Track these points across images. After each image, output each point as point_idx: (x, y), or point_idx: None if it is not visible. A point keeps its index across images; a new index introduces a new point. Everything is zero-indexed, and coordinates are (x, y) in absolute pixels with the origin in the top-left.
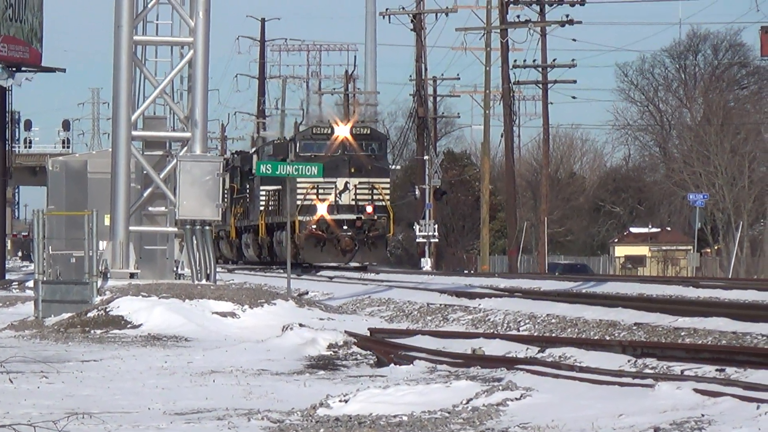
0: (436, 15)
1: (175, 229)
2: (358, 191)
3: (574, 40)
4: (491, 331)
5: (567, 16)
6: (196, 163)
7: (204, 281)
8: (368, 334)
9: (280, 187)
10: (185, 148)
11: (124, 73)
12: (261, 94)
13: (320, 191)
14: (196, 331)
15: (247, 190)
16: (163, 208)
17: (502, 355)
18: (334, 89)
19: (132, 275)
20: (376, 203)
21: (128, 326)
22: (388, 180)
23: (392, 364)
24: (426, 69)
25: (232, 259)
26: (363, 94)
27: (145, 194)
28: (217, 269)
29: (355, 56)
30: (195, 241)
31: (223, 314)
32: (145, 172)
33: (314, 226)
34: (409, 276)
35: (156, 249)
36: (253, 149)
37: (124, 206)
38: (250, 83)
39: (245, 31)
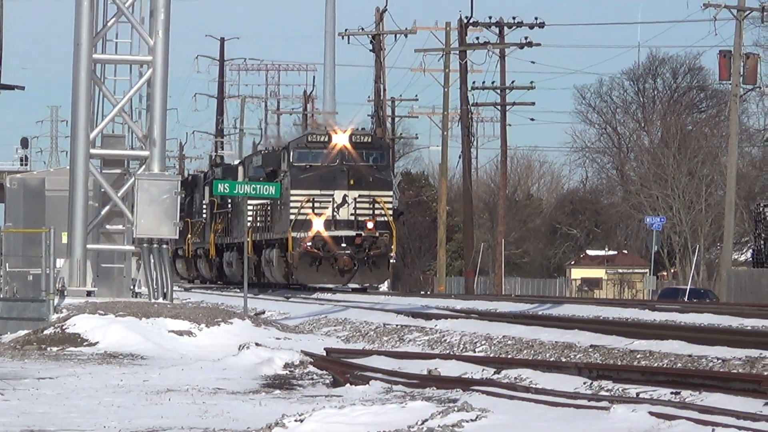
0: (396, 36)
1: (133, 248)
2: (357, 205)
3: (533, 62)
4: (447, 352)
5: (526, 38)
6: (153, 182)
7: (161, 300)
8: (324, 354)
9: (267, 201)
10: (143, 167)
11: (83, 91)
12: (219, 114)
13: (316, 205)
14: (153, 350)
15: (230, 205)
16: (120, 227)
17: (457, 376)
18: (293, 109)
19: (89, 293)
20: (378, 218)
21: (85, 344)
22: (390, 193)
23: (348, 384)
24: (385, 90)
25: (211, 279)
26: (322, 114)
27: (102, 212)
28: (174, 288)
29: (314, 76)
30: (152, 260)
31: (180, 333)
32: (103, 190)
33: (309, 244)
34: (365, 296)
35: (113, 267)
36: (239, 160)
37: (82, 224)
38: (209, 102)
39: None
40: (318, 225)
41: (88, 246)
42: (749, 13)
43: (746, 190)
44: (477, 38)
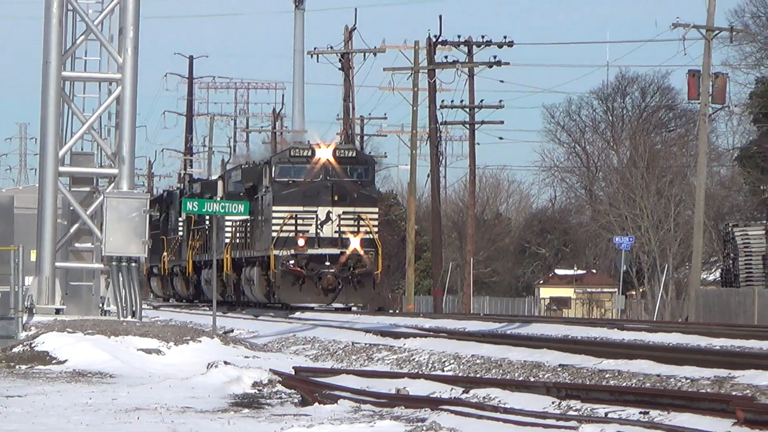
0: (364, 55)
1: (102, 266)
2: (342, 222)
3: (502, 81)
4: (416, 371)
5: (495, 57)
6: (122, 200)
7: (130, 318)
8: (293, 373)
9: (249, 216)
10: (112, 185)
11: (52, 108)
12: (188, 132)
13: (299, 222)
14: (121, 368)
15: (208, 221)
16: (89, 245)
17: (426, 396)
18: (262, 127)
19: (58, 311)
20: (363, 236)
21: (53, 362)
22: (376, 210)
23: (316, 404)
24: (354, 108)
25: (188, 298)
26: (291, 132)
27: (71, 230)
28: (143, 306)
29: (282, 95)
30: (121, 278)
31: (149, 351)
32: (71, 208)
33: (292, 262)
34: (334, 315)
35: (82, 285)
36: (218, 176)
37: (51, 242)
38: (178, 120)
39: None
40: (301, 242)
41: (57, 264)
42: (718, 33)
43: (715, 209)
44: (446, 57)
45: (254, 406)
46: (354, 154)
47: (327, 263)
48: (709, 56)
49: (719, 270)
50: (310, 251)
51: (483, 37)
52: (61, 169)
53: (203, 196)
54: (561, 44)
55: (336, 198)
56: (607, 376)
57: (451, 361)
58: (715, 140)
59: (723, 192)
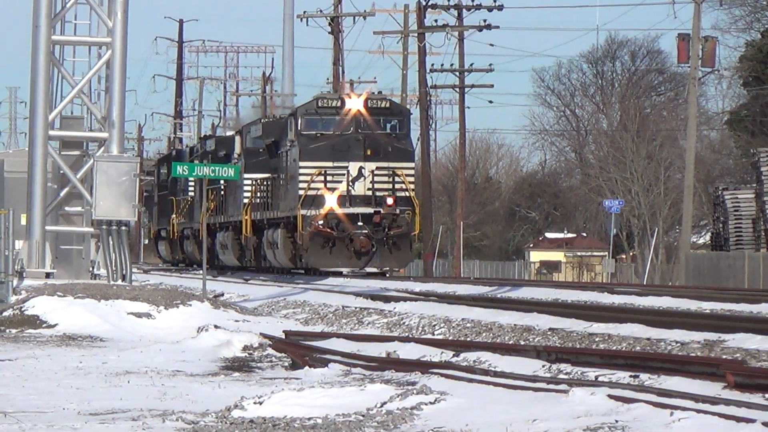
0: (354, 18)
1: (92, 229)
2: (375, 179)
3: (492, 45)
4: (406, 334)
5: (485, 21)
6: (112, 164)
7: (120, 282)
8: (283, 337)
9: (270, 174)
10: (102, 149)
11: (42, 72)
12: (178, 96)
13: (329, 178)
14: (112, 332)
15: (221, 180)
16: (79, 208)
17: (416, 359)
18: (252, 91)
19: (48, 275)
20: (399, 194)
21: (43, 326)
22: (412, 165)
23: (307, 367)
24: (343, 72)
25: (200, 262)
26: (280, 96)
27: (61, 194)
28: (133, 270)
29: (272, 58)
30: (111, 242)
31: (139, 315)
32: (61, 171)
33: (321, 222)
34: (324, 278)
35: (72, 249)
36: (236, 131)
37: (41, 206)
38: (168, 84)
39: (163, 32)
40: (331, 201)
41: (47, 228)
42: None
43: (705, 173)
44: (435, 21)
45: (244, 369)
46: (387, 105)
47: (359, 223)
48: (699, 20)
49: (709, 233)
50: (342, 210)
51: (473, 0)
52: (51, 132)
53: (218, 153)
54: (551, 8)
55: (369, 152)
56: (597, 339)
57: (442, 325)
58: (704, 104)
59: (713, 155)
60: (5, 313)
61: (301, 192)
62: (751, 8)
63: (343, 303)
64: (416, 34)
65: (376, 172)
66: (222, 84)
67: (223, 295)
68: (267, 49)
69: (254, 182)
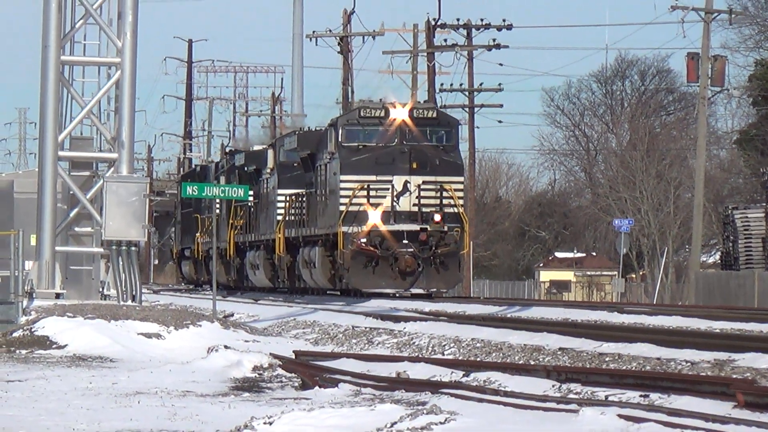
0: (363, 38)
1: (101, 250)
2: (422, 193)
3: (501, 64)
4: (416, 354)
5: (494, 40)
6: (122, 184)
7: (130, 302)
8: (293, 357)
9: (304, 190)
10: (112, 169)
11: (51, 93)
12: (188, 116)
13: (372, 193)
14: (122, 352)
15: (251, 196)
16: (89, 229)
17: (426, 379)
18: (261, 111)
19: (58, 295)
20: (447, 210)
21: (53, 346)
22: (462, 179)
23: (317, 387)
24: (353, 92)
25: (228, 284)
26: (290, 116)
27: (71, 214)
28: (143, 290)
29: (282, 78)
30: (121, 262)
31: (149, 335)
32: (71, 192)
33: (364, 240)
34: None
35: (82, 269)
36: (268, 144)
37: (51, 226)
38: (177, 104)
39: (172, 52)
40: (374, 217)
41: (57, 248)
42: (717, 16)
43: (714, 192)
44: (445, 40)
45: (254, 389)
46: (434, 115)
47: (405, 241)
48: (708, 39)
49: (719, 253)
50: (386, 227)
51: (482, 20)
52: (61, 153)
53: (246, 168)
54: (560, 27)
55: (415, 165)
56: (607, 359)
57: (452, 345)
58: (714, 123)
59: (722, 175)
60: (15, 334)
61: (342, 207)
62: (760, 27)
63: (353, 323)
64: (425, 54)
65: (422, 187)
66: (231, 104)
67: (233, 315)
68: (276, 69)
69: (288, 198)
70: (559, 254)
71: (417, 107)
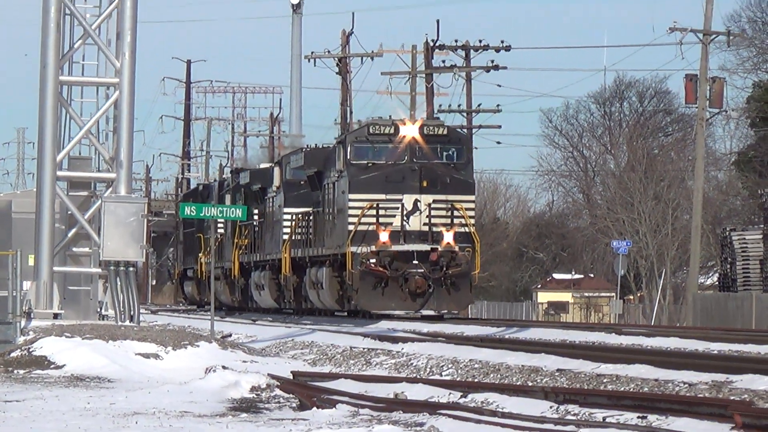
0: (362, 59)
1: (99, 270)
2: (432, 212)
3: (500, 85)
4: (414, 375)
5: (492, 61)
6: (120, 204)
7: (128, 322)
8: (291, 377)
9: (311, 209)
10: (110, 189)
11: (50, 113)
12: (186, 136)
13: (381, 212)
14: (119, 372)
15: (255, 216)
16: (87, 249)
17: (424, 400)
18: (260, 131)
19: (56, 316)
20: (458, 229)
21: (51, 367)
22: (473, 198)
23: (315, 408)
24: (351, 112)
25: (232, 305)
26: (288, 136)
27: (69, 235)
28: (141, 310)
29: (280, 99)
30: (119, 282)
31: (147, 356)
32: (69, 212)
33: (373, 261)
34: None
35: (80, 289)
36: (274, 162)
37: (49, 246)
38: (176, 125)
39: (171, 73)
40: (384, 237)
41: (55, 268)
42: (715, 37)
43: (712, 214)
44: (443, 61)
45: (252, 410)
46: (445, 132)
47: (415, 262)
48: (707, 60)
49: (717, 274)
50: (395, 247)
51: (480, 41)
52: (59, 173)
53: (252, 187)
54: (558, 48)
55: (425, 183)
56: (605, 380)
57: (449, 366)
58: (712, 144)
59: (720, 196)
60: (13, 354)
61: (351, 227)
62: (758, 49)
63: (350, 344)
64: (424, 75)
65: (433, 206)
66: (230, 124)
67: (231, 335)
68: (275, 89)
69: (295, 217)
70: (557, 275)
71: (427, 124)
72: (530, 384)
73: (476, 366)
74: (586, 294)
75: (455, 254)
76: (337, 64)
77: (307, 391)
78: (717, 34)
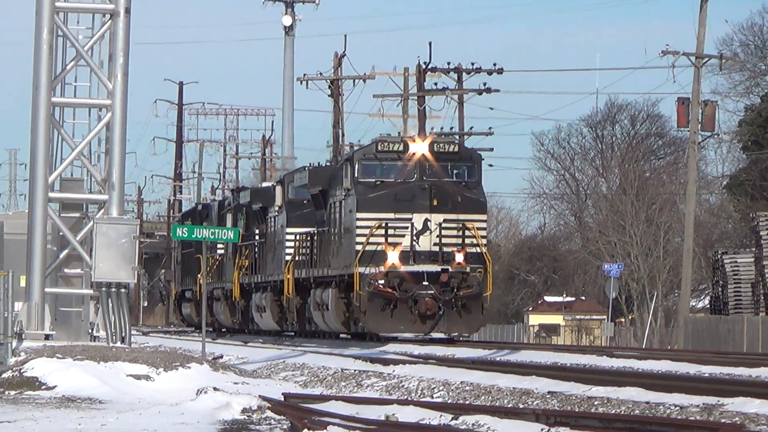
0: (354, 81)
1: (91, 291)
2: (443, 232)
3: (492, 108)
4: (405, 397)
5: (484, 84)
6: (112, 226)
7: (119, 343)
8: (282, 399)
9: (315, 228)
10: (102, 211)
11: (42, 134)
12: (178, 158)
13: (390, 232)
14: (111, 394)
15: (256, 236)
16: (79, 270)
17: (415, 422)
18: (252, 154)
19: (47, 337)
20: (469, 249)
21: (43, 388)
22: (485, 217)
23: (306, 430)
24: (343, 135)
25: (233, 326)
26: (280, 158)
27: (61, 256)
28: (133, 332)
29: (272, 121)
30: (110, 304)
31: (138, 377)
32: (61, 233)
33: (381, 282)
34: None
35: (71, 311)
36: (275, 181)
37: (40, 268)
38: (168, 146)
39: (163, 95)
40: (393, 258)
41: (47, 289)
42: (707, 61)
43: (704, 237)
44: (435, 84)
45: (243, 431)
46: (456, 149)
47: (425, 283)
48: (699, 84)
49: (708, 297)
50: (405, 268)
51: (473, 64)
52: (51, 194)
53: (253, 206)
54: (551, 71)
55: (435, 202)
56: (596, 403)
57: (441, 388)
58: (704, 168)
59: (712, 219)
60: (4, 375)
61: (359, 247)
62: (750, 73)
63: (342, 366)
64: (416, 98)
65: (443, 225)
66: (222, 146)
67: (222, 357)
68: (267, 111)
69: (298, 237)
70: (548, 298)
71: (437, 141)
72: (521, 406)
73: (467, 388)
74: (578, 316)
75: (467, 275)
76: (330, 87)
77: (298, 413)
78: (709, 57)
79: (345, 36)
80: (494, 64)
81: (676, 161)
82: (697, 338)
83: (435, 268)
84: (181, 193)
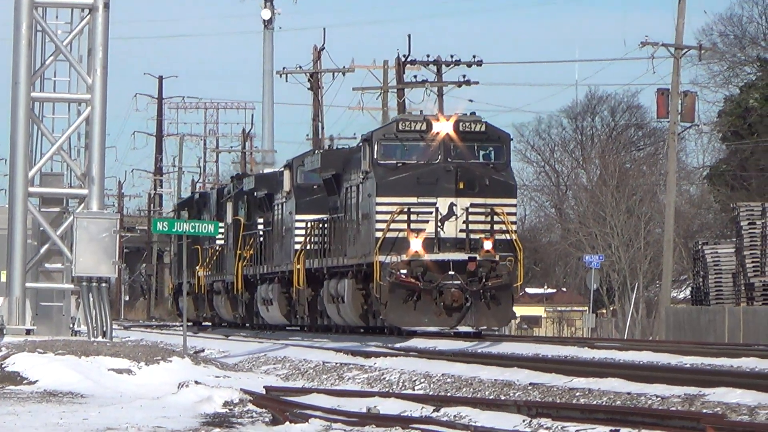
0: (333, 74)
1: (72, 286)
2: (470, 218)
3: (471, 100)
4: (386, 390)
5: (464, 76)
6: (92, 220)
7: (100, 338)
8: (264, 392)
9: (328, 215)
10: (82, 205)
11: (22, 129)
12: (158, 152)
13: (413, 217)
14: (92, 388)
15: (259, 225)
16: (59, 265)
17: (397, 414)
18: (232, 147)
19: (28, 332)
20: (498, 236)
21: (24, 382)
22: (515, 201)
23: (287, 423)
24: (323, 128)
25: (235, 321)
26: (260, 152)
27: (41, 251)
28: (114, 326)
29: (252, 114)
30: (91, 298)
31: (119, 371)
32: (41, 228)
33: (404, 271)
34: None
35: (52, 305)
36: (283, 166)
37: (21, 263)
38: (148, 141)
39: (143, 89)
40: (416, 245)
41: (27, 284)
42: (686, 52)
43: (685, 228)
44: (415, 76)
45: (225, 425)
46: (483, 128)
47: (451, 272)
48: (678, 75)
49: (689, 288)
50: (429, 257)
51: (452, 56)
52: (31, 189)
53: (256, 193)
54: (530, 63)
55: (461, 185)
56: (577, 394)
57: (422, 380)
58: (684, 158)
59: (693, 210)
60: None
61: (379, 234)
62: (729, 64)
63: (323, 359)
64: (396, 90)
65: (470, 210)
66: (202, 140)
67: (203, 351)
68: (247, 105)
69: (309, 224)
70: (529, 290)
71: (463, 120)
72: (503, 398)
73: (449, 380)
74: (559, 308)
75: (496, 264)
76: (309, 80)
77: (279, 406)
78: (688, 48)
79: (324, 29)
80: (474, 56)
81: (656, 152)
82: (679, 329)
83: (462, 256)
84: (161, 187)
